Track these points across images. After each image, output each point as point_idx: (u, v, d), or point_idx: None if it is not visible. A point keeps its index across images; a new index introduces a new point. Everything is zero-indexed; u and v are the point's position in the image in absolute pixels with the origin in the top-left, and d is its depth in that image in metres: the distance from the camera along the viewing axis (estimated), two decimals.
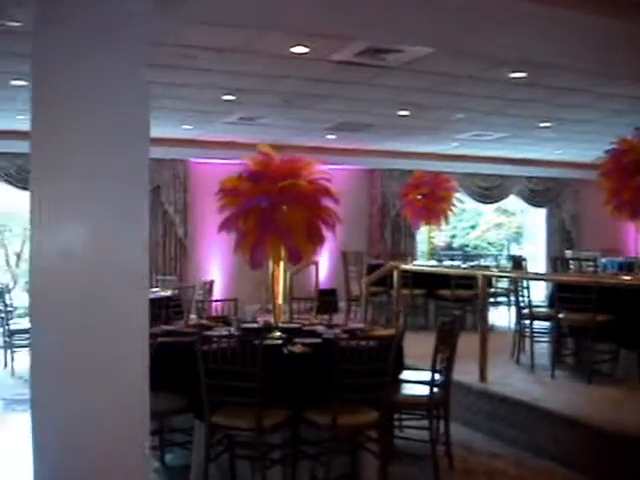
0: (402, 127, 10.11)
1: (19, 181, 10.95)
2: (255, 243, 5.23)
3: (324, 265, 12.70)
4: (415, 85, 7.49)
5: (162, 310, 8.42)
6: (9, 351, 8.55)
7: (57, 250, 3.00)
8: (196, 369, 4.46)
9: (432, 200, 10.71)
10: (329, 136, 10.92)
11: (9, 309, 8.93)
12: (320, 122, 9.77)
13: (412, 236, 13.80)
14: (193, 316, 9.03)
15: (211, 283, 9.81)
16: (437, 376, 5.06)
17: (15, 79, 6.86)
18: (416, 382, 5.31)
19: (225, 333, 5.41)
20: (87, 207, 3.09)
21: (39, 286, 3.01)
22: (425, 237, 12.09)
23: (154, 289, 9.90)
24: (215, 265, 12.04)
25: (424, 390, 5.02)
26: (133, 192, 3.17)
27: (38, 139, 3.06)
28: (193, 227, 11.74)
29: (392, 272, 8.08)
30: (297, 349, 4.81)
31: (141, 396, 3.23)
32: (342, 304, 11.41)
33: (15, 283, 13.14)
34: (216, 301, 8.23)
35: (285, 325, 5.90)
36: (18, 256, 13.92)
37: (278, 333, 5.41)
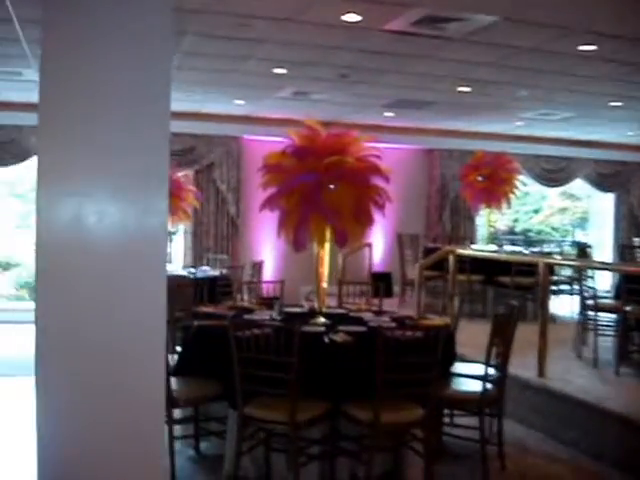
0: (463, 105, 9.64)
1: None
2: (298, 223, 4.92)
3: (379, 247, 12.34)
4: (477, 59, 7.04)
5: (209, 290, 8.29)
6: None
7: (66, 225, 2.73)
8: (231, 356, 4.18)
9: (493, 182, 10.19)
10: (387, 113, 10.51)
11: None
12: (377, 98, 9.37)
13: (472, 219, 13.29)
14: (245, 297, 8.83)
15: (260, 263, 9.56)
16: (491, 371, 4.68)
17: None
18: (468, 376, 4.95)
19: (265, 317, 5.13)
20: (101, 180, 2.80)
21: (46, 263, 2.75)
22: (485, 220, 11.58)
23: (204, 268, 9.72)
24: (268, 244, 11.76)
25: (476, 386, 4.65)
26: (153, 165, 2.88)
27: (46, 109, 2.78)
28: (245, 206, 11.47)
29: (448, 256, 7.69)
30: (339, 338, 4.49)
31: (157, 382, 2.97)
32: (397, 288, 11.04)
33: None
34: (263, 283, 7.97)
35: (331, 311, 5.60)
36: None
37: (322, 319, 5.10)
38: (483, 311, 9.59)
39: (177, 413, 5.09)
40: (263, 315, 5.26)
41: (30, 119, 10.04)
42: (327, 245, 5.12)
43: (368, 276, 10.05)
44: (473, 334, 5.90)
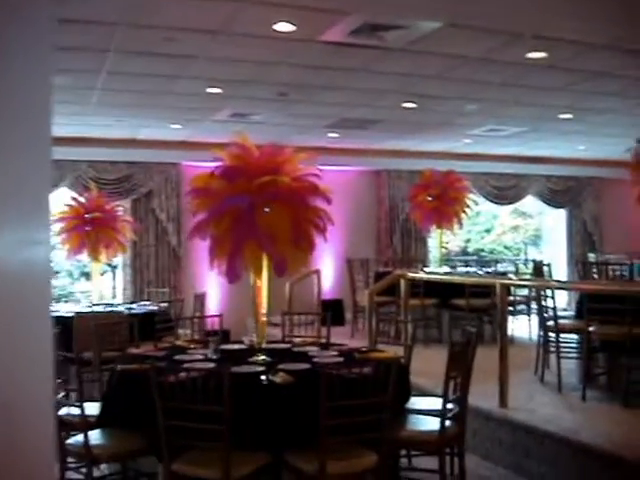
0: (409, 122, 9.29)
1: None
2: (231, 251, 4.44)
3: (328, 274, 11.88)
4: (421, 71, 6.68)
5: (147, 327, 7.73)
6: None
7: None
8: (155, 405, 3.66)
9: (443, 202, 9.83)
10: (331, 134, 10.11)
11: None
12: (319, 118, 8.97)
13: (423, 241, 12.92)
14: (187, 332, 8.32)
15: (203, 296, 9.01)
16: (450, 405, 4.23)
17: None
18: (425, 412, 4.49)
19: (198, 357, 4.62)
20: None
21: None
22: (437, 242, 11.23)
23: (144, 302, 9.15)
24: (212, 275, 11.18)
25: (435, 423, 4.18)
26: (33, 193, 2.35)
27: None
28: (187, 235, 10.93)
29: (399, 281, 7.27)
30: (279, 378, 3.99)
31: (45, 442, 2.43)
32: (350, 315, 10.59)
33: None
34: (205, 317, 7.47)
35: (273, 346, 5.11)
36: None
37: (262, 357, 4.61)
38: (439, 336, 9.19)
39: (104, 469, 4.56)
40: (196, 355, 4.74)
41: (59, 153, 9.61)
42: (265, 274, 4.65)
43: (318, 304, 9.56)
44: (429, 361, 5.48)
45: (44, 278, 2.40)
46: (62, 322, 6.96)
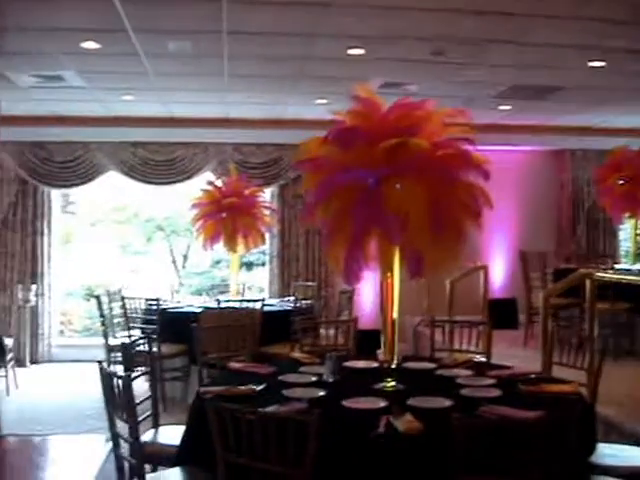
0: (598, 89, 7.68)
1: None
2: (350, 244, 3.31)
3: (499, 269, 10.46)
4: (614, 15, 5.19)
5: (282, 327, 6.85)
6: None
7: None
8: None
9: (638, 185, 8.20)
10: (502, 107, 8.68)
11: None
12: (487, 86, 7.59)
13: (613, 232, 11.12)
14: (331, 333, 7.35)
15: (352, 292, 7.96)
16: None
17: None
18: (621, 474, 3.16)
19: (309, 380, 3.57)
20: None
21: None
22: (630, 234, 9.50)
23: (287, 298, 8.27)
24: None
25: None
26: None
27: None
28: None
29: (583, 281, 5.83)
30: (402, 424, 2.81)
31: None
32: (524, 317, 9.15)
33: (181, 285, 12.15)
34: (328, 322, 6.43)
35: (414, 365, 3.96)
36: (185, 257, 13.43)
37: (391, 383, 3.47)
38: (631, 348, 7.57)
39: None
40: (308, 375, 3.69)
41: (97, 134, 9.20)
42: (397, 272, 3.50)
43: (484, 306, 8.19)
44: (620, 382, 4.10)
45: None
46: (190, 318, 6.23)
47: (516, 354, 7.62)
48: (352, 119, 3.41)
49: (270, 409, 2.87)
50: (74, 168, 9.50)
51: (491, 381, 3.55)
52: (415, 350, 8.63)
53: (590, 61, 6.49)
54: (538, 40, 5.85)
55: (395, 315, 3.55)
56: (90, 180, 9.62)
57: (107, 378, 3.30)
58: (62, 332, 10.48)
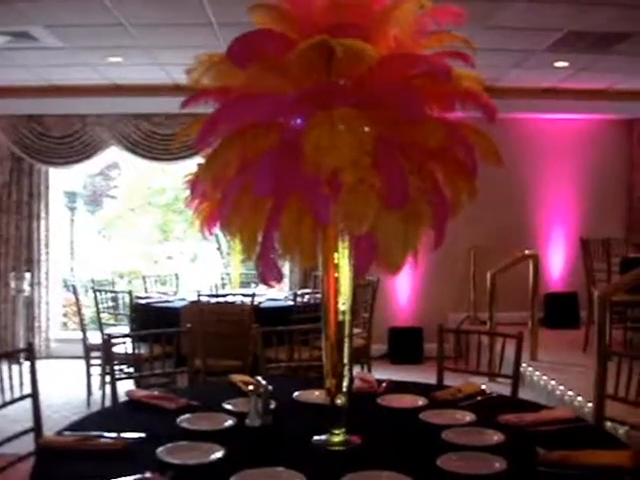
0: None
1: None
2: (267, 219, 2.08)
3: (557, 259, 9.02)
4: None
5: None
6: None
7: None
8: None
9: None
10: (558, 64, 7.23)
11: None
12: (537, 33, 6.19)
13: None
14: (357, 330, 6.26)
15: (375, 283, 6.72)
16: None
17: None
18: None
19: (223, 425, 2.35)
20: None
21: None
22: None
23: (302, 291, 7.05)
24: None
25: None
26: None
27: None
28: None
29: None
30: None
31: None
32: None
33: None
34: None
35: (390, 400, 2.71)
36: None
37: (339, 437, 2.24)
38: None
39: None
40: (224, 417, 2.49)
41: (95, 105, 8.24)
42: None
43: (532, 301, 6.78)
44: None
45: None
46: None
47: (573, 363, 6.47)
48: (273, 20, 2.12)
49: None
50: (72, 144, 8.53)
51: (497, 438, 2.26)
52: (457, 352, 7.31)
53: None
54: None
55: (346, 331, 2.30)
56: (89, 157, 8.63)
57: None
58: (65, 324, 9.56)
